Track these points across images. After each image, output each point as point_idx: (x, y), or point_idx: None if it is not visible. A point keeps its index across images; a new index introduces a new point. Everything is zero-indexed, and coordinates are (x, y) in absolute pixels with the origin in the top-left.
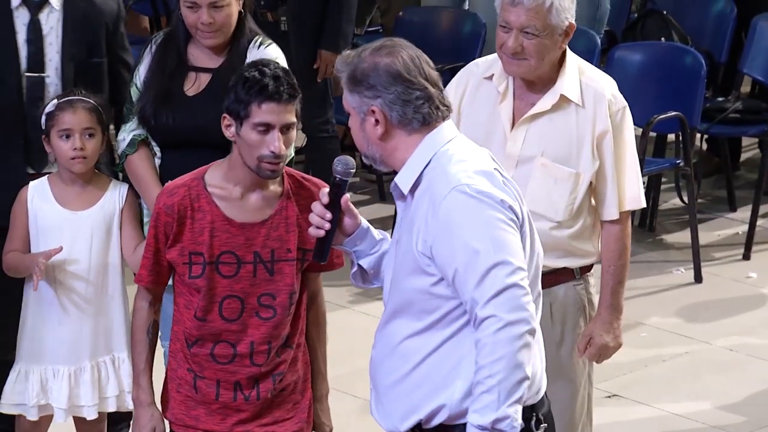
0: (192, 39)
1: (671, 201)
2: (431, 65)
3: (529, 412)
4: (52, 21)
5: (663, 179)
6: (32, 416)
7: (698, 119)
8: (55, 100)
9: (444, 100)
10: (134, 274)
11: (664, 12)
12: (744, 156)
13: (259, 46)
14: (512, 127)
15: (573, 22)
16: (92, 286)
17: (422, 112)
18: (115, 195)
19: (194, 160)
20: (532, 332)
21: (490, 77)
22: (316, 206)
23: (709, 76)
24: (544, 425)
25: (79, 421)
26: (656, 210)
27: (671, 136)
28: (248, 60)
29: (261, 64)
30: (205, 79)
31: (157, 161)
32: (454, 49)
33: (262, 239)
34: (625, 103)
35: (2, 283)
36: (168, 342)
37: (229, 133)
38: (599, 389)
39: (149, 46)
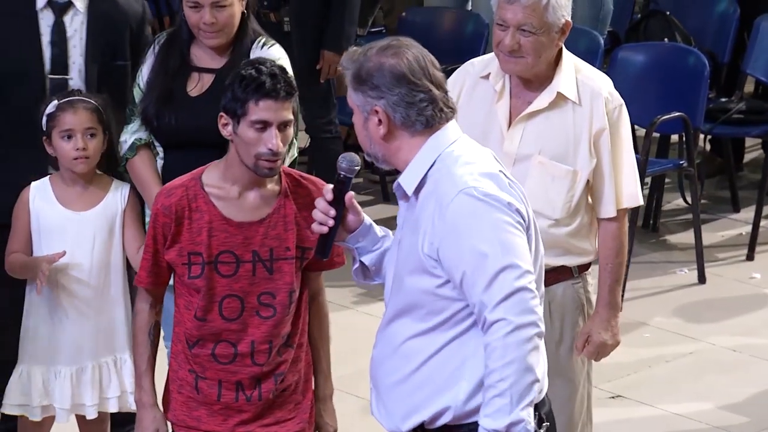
0: (195, 39)
1: (674, 201)
2: (437, 66)
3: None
4: (76, 23)
5: (666, 180)
6: (36, 417)
7: (701, 120)
8: (56, 101)
9: (448, 101)
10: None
11: (667, 12)
12: (747, 156)
13: (263, 47)
14: (509, 126)
15: (569, 19)
16: (94, 286)
17: (425, 114)
18: (117, 195)
19: (197, 161)
20: (540, 335)
21: (487, 76)
22: (320, 202)
23: (712, 76)
24: (546, 424)
25: (82, 422)
26: (659, 211)
27: (674, 137)
28: None
29: (257, 62)
30: (208, 79)
31: (160, 162)
32: (457, 49)
33: (261, 238)
34: (622, 101)
35: (4, 283)
36: (170, 341)
37: (226, 131)
38: (602, 390)
39: (152, 47)
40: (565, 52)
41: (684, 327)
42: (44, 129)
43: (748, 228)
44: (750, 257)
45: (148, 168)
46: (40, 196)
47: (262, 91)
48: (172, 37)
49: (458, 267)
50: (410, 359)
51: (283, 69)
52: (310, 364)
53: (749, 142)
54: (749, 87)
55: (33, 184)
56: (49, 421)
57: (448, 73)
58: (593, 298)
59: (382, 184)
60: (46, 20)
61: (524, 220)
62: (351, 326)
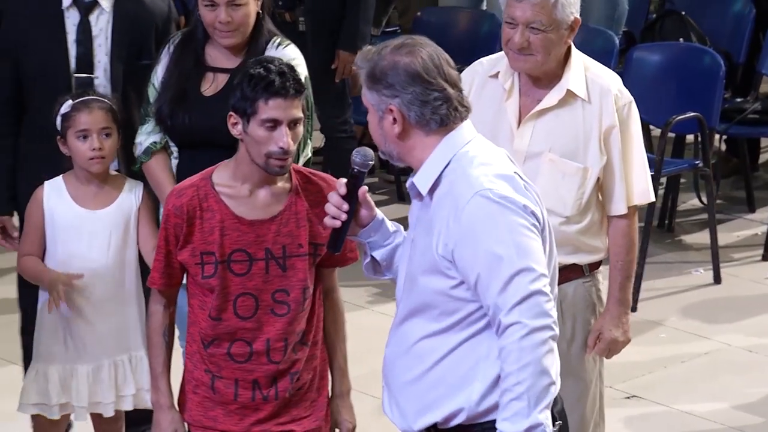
0: (210, 39)
1: (690, 202)
2: (452, 65)
3: None
4: (101, 22)
5: (682, 180)
6: (54, 415)
7: (717, 120)
8: (70, 101)
9: (463, 100)
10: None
11: (683, 12)
12: (763, 157)
13: (278, 47)
14: (519, 124)
15: (578, 16)
16: (110, 284)
17: (440, 113)
18: (131, 194)
19: (211, 160)
20: (555, 338)
21: (496, 75)
22: (333, 196)
23: (728, 76)
24: (559, 422)
25: (96, 421)
26: (675, 211)
27: (690, 137)
28: None
29: (265, 61)
30: (222, 79)
31: (174, 161)
32: (472, 49)
33: (273, 235)
34: (631, 98)
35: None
36: (185, 342)
37: (235, 131)
38: (618, 390)
39: (167, 47)
40: (574, 50)
41: (699, 327)
42: (59, 129)
43: (764, 228)
44: (765, 257)
45: (164, 170)
46: (55, 195)
47: (271, 89)
48: (187, 36)
49: (473, 269)
50: (423, 359)
51: (291, 67)
52: (325, 362)
53: (765, 142)
54: (765, 87)
55: (46, 182)
56: (65, 418)
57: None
58: (604, 296)
59: (397, 183)
60: (71, 19)
61: (539, 223)
62: (366, 326)
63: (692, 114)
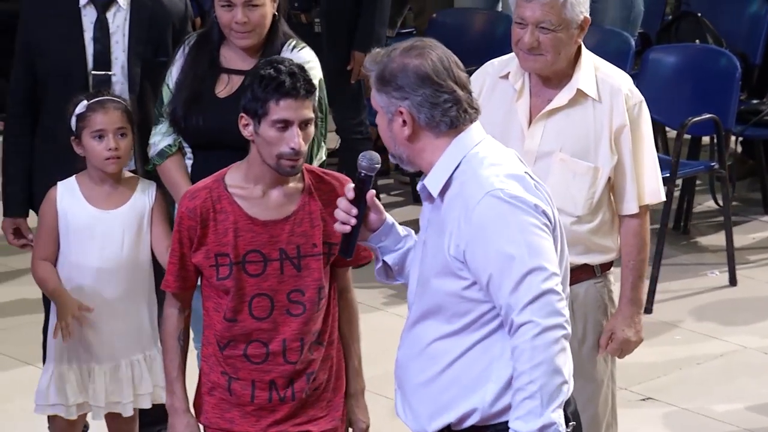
0: (225, 41)
1: (706, 203)
2: (461, 67)
3: None
4: (119, 20)
5: (697, 182)
6: (72, 415)
7: (733, 121)
8: (85, 101)
9: (472, 102)
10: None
11: (699, 14)
12: None
13: (293, 50)
14: (530, 124)
15: (588, 16)
16: (124, 285)
17: (450, 115)
18: (145, 194)
19: (225, 162)
20: (567, 337)
21: (506, 76)
22: (342, 202)
23: (744, 78)
24: (572, 423)
25: (111, 421)
26: (690, 213)
27: (706, 139)
28: None
29: (276, 62)
30: (237, 81)
31: (189, 161)
32: (487, 50)
33: (287, 236)
34: (642, 98)
35: None
36: (200, 344)
37: (247, 132)
38: (633, 392)
39: (182, 48)
40: (584, 50)
41: (715, 329)
42: (73, 129)
43: None
44: None
45: (179, 172)
46: (68, 195)
47: (282, 90)
48: (202, 38)
49: (485, 269)
50: (437, 361)
51: (302, 67)
52: (341, 362)
53: None
54: None
55: (60, 183)
56: (81, 418)
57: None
58: (615, 297)
59: (412, 185)
60: (88, 17)
61: (550, 222)
62: (380, 327)
63: (708, 116)
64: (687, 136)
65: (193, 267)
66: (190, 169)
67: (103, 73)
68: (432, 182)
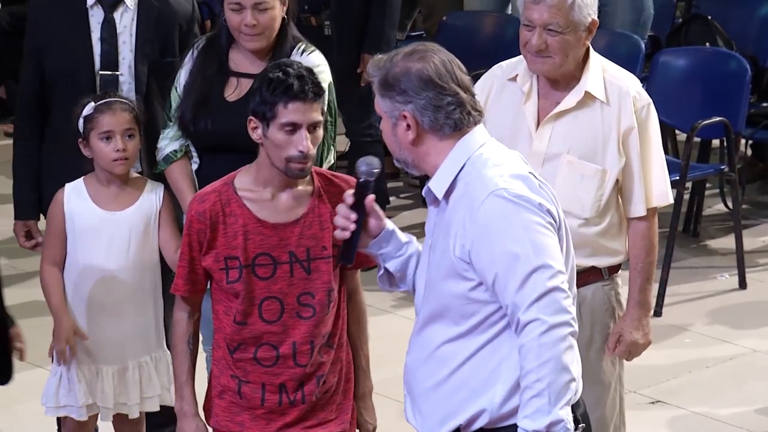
0: (234, 44)
1: (715, 206)
2: (463, 70)
3: None
4: (126, 20)
5: (707, 185)
6: (81, 416)
7: (743, 124)
8: (92, 103)
9: (476, 105)
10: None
11: (709, 17)
12: None
13: (302, 53)
14: (537, 126)
15: (596, 18)
16: (131, 286)
17: (454, 117)
18: (152, 196)
19: (233, 165)
20: (574, 334)
21: (514, 78)
22: (341, 208)
23: (754, 81)
24: (582, 425)
25: (118, 423)
26: (700, 216)
27: (716, 142)
28: None
29: (284, 65)
30: (246, 85)
31: (194, 165)
32: (497, 53)
33: (296, 238)
34: (650, 100)
35: None
36: (210, 347)
37: (255, 135)
38: (642, 395)
39: (191, 51)
40: (593, 52)
41: (724, 332)
42: (81, 131)
43: None
44: None
45: (184, 178)
46: (75, 197)
47: (290, 93)
48: (211, 41)
49: (490, 269)
50: (446, 363)
51: (310, 70)
52: (350, 364)
53: None
54: None
55: (67, 185)
56: (93, 419)
57: (479, 77)
58: (623, 299)
59: (421, 188)
60: (96, 17)
61: (555, 221)
62: (390, 330)
63: (718, 119)
64: (697, 139)
65: (203, 270)
66: (195, 174)
67: (111, 73)
68: (437, 184)
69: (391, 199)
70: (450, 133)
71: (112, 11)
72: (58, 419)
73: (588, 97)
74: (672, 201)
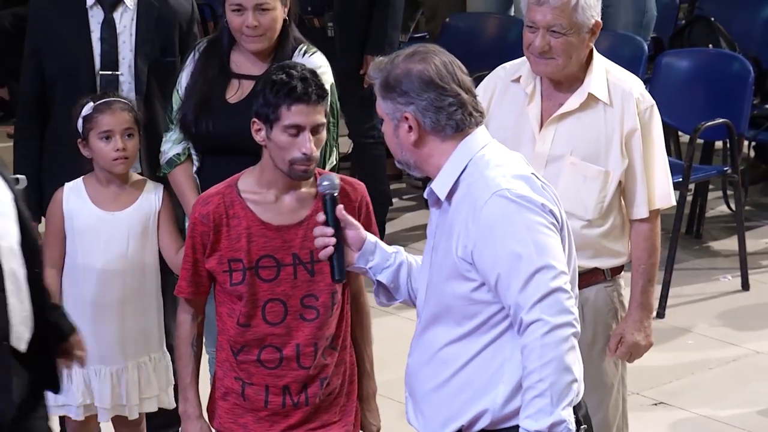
0: (236, 46)
1: (718, 208)
2: (464, 71)
3: None
4: (125, 20)
5: (710, 186)
6: (78, 416)
7: (746, 126)
8: (91, 103)
9: (477, 105)
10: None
11: (712, 18)
12: None
13: (304, 55)
14: (541, 128)
15: (599, 20)
16: (129, 287)
17: (455, 118)
18: (152, 196)
19: (236, 167)
20: (577, 335)
21: (517, 80)
22: (316, 230)
23: (757, 82)
24: (584, 426)
25: (118, 424)
26: (703, 217)
27: (719, 143)
28: None
29: (288, 67)
30: (247, 86)
31: (195, 166)
32: (500, 54)
33: (300, 240)
34: (653, 102)
35: None
36: (213, 348)
37: (259, 137)
38: (645, 396)
39: (193, 53)
40: (596, 54)
41: (727, 334)
42: (80, 131)
43: None
44: None
45: (186, 182)
46: (74, 197)
47: (293, 95)
48: (213, 43)
49: (493, 269)
50: (448, 365)
51: (314, 72)
52: (354, 366)
53: None
54: None
55: (66, 184)
56: (95, 419)
57: (483, 79)
58: (626, 301)
59: (424, 189)
60: (96, 17)
61: (557, 222)
62: (393, 332)
63: (721, 120)
64: (700, 141)
65: (207, 273)
66: (197, 176)
67: (111, 73)
68: (439, 186)
69: (393, 200)
70: (452, 134)
71: (112, 11)
72: (61, 419)
73: (591, 99)
74: (674, 203)
